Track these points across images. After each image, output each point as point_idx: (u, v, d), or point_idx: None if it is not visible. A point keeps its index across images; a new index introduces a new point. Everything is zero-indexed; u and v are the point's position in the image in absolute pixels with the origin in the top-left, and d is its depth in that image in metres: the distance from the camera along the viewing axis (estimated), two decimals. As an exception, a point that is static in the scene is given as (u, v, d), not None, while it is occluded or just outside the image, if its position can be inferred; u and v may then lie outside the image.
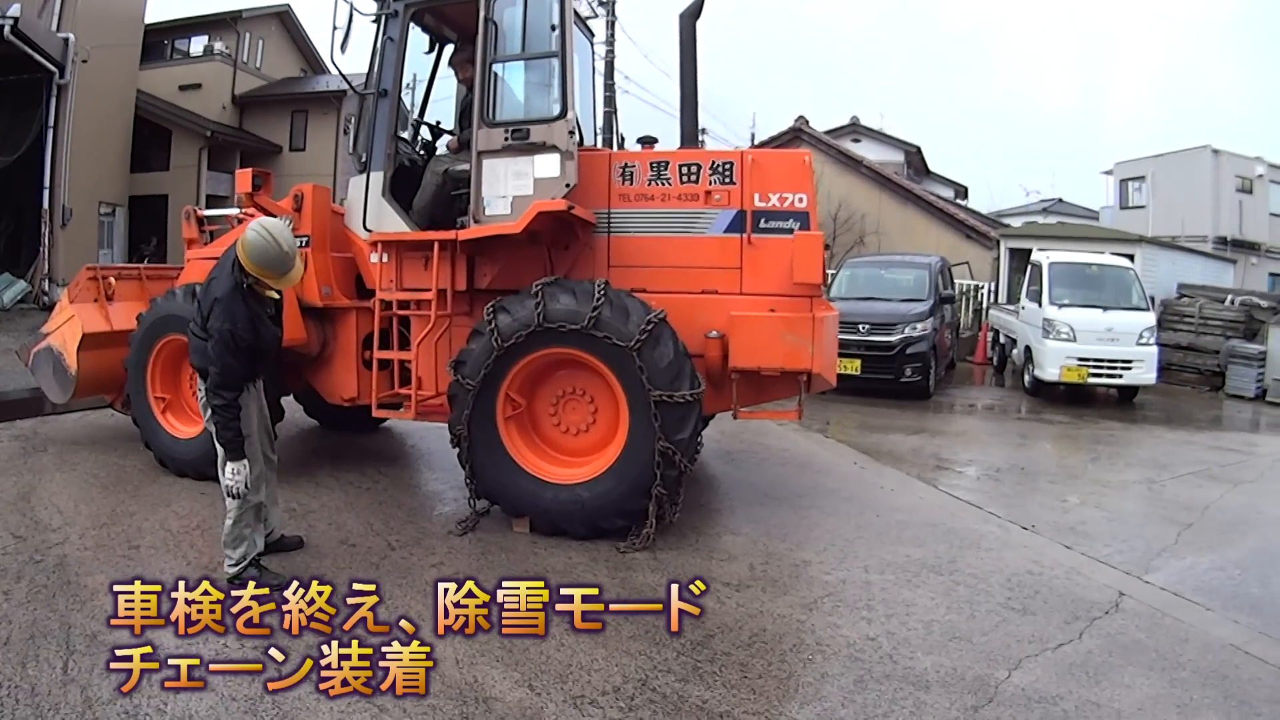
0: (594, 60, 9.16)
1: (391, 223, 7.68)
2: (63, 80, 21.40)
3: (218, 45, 33.47)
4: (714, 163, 7.46)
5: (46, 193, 21.59)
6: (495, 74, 7.32)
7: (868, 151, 31.12)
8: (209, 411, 5.66)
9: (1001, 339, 19.50)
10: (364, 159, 7.83)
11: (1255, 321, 18.75)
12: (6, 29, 19.23)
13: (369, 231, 7.75)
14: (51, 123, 21.39)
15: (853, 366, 14.79)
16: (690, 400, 6.72)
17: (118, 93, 25.40)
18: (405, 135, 8.72)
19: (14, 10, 19.73)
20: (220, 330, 5.51)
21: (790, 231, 7.29)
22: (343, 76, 8.39)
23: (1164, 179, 32.71)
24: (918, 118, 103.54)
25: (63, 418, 10.61)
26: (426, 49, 8.98)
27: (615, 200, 7.57)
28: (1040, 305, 15.88)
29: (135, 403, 8.47)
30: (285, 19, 36.79)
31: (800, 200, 7.33)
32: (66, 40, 21.45)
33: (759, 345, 7.10)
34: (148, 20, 28.52)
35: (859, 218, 25.70)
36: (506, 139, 7.13)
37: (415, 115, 9.08)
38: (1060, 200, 45.03)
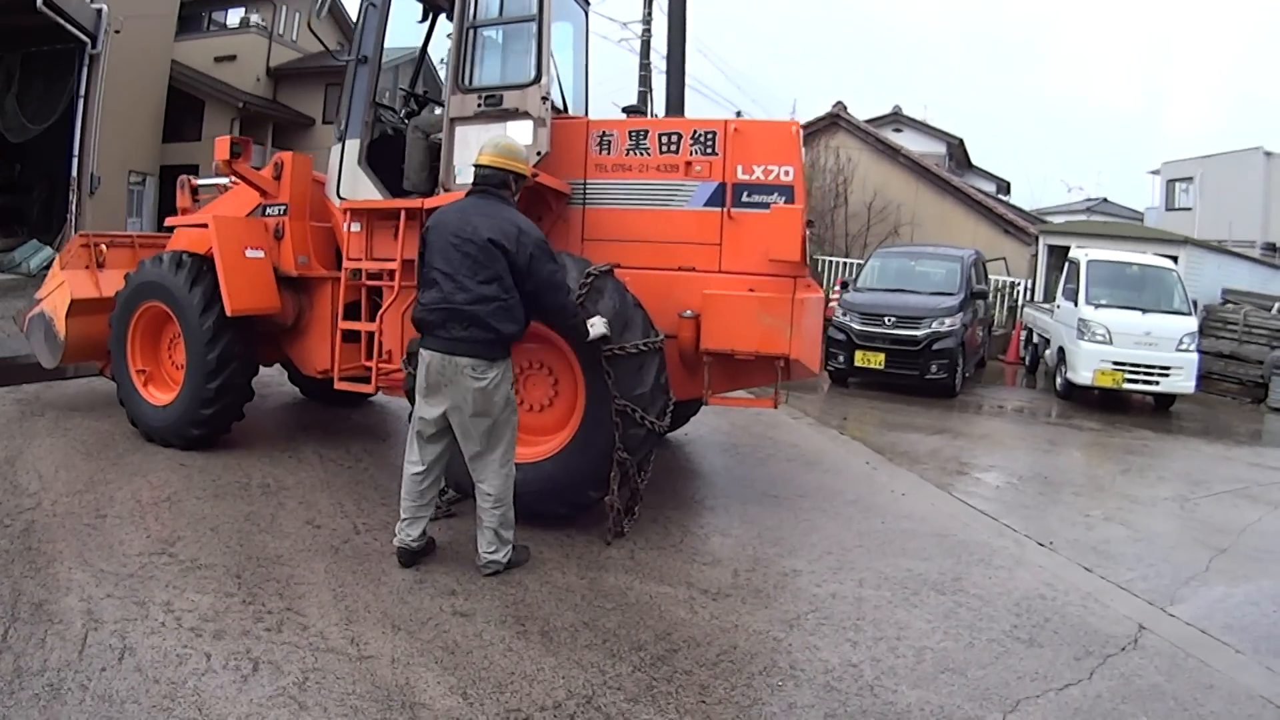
0: (588, 30, 8.78)
1: (366, 191, 7.52)
2: (95, 50, 21.35)
3: (254, 18, 33.51)
4: (695, 132, 7.11)
5: (75, 161, 21.62)
6: (472, 39, 7.15)
7: (909, 142, 30.57)
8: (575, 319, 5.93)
9: (1035, 338, 18.98)
10: (342, 126, 7.68)
11: None
12: (39, 0, 19.25)
13: (341, 199, 7.62)
14: (83, 92, 21.43)
15: (876, 360, 14.49)
16: (645, 350, 6.33)
17: (152, 63, 25.49)
18: (393, 105, 8.58)
19: (47, -19, 19.83)
20: (554, 269, 5.67)
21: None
22: (321, 43, 8.45)
23: (1213, 180, 31.89)
24: (965, 110, 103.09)
25: (67, 383, 10.65)
26: (420, 18, 8.84)
27: (591, 170, 7.33)
28: (1076, 305, 15.27)
29: (116, 366, 8.49)
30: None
31: (786, 173, 6.93)
32: (100, 11, 21.40)
33: (732, 327, 6.73)
34: None
35: (894, 208, 25.18)
36: (479, 105, 6.96)
37: (406, 85, 8.96)
38: (1105, 200, 44.26)
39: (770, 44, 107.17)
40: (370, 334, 7.57)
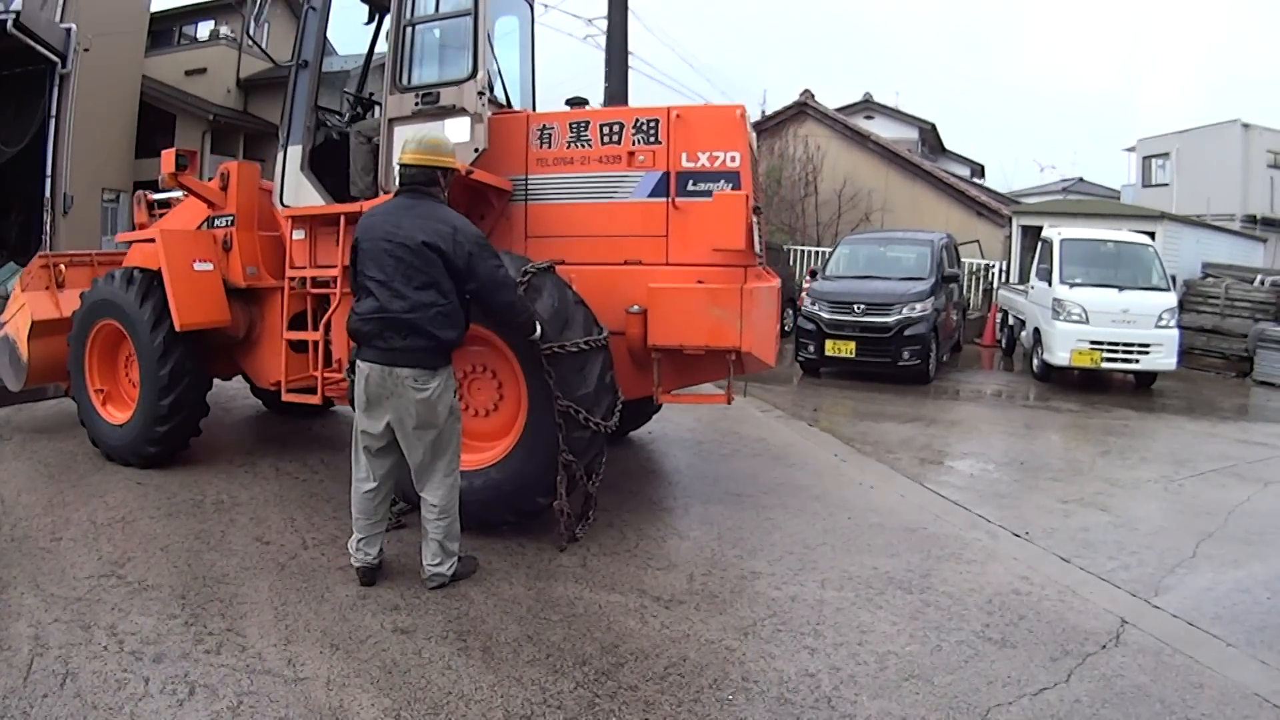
0: (533, 24, 8.62)
1: (309, 198, 7.36)
2: (65, 70, 21.36)
3: (223, 29, 33.20)
4: (637, 121, 6.89)
5: (48, 181, 21.66)
6: (409, 36, 6.96)
7: (881, 128, 30.43)
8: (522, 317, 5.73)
9: (1010, 320, 18.74)
10: (285, 133, 7.57)
11: None
12: (9, 23, 19.27)
13: (284, 207, 7.49)
14: (54, 112, 21.45)
15: (847, 349, 14.22)
16: (587, 348, 6.09)
17: (122, 80, 25.36)
18: (339, 109, 8.43)
19: (16, 4, 19.86)
20: (496, 266, 5.44)
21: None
22: (261, 49, 9.03)
23: (1190, 155, 31.70)
24: (938, 96, 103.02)
25: (38, 405, 10.61)
26: (366, 20, 8.69)
27: (533, 165, 7.12)
28: (1050, 285, 14.93)
29: (75, 386, 8.44)
30: (292, 1, 36.16)
31: (732, 159, 6.71)
32: (68, 30, 21.39)
33: (680, 320, 6.51)
34: (156, 7, 28.61)
35: (865, 194, 25.02)
36: (417, 104, 6.79)
37: (354, 88, 8.75)
38: (1081, 180, 44.22)
39: (740, 36, 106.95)
40: (318, 343, 7.40)
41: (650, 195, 6.79)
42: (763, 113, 27.82)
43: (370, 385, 5.23)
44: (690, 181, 6.72)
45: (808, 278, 18.09)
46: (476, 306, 5.48)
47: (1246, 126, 30.63)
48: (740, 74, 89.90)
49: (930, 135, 37.66)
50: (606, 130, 6.89)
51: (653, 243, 6.82)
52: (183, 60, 32.28)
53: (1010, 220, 22.77)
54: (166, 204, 9.37)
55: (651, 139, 6.78)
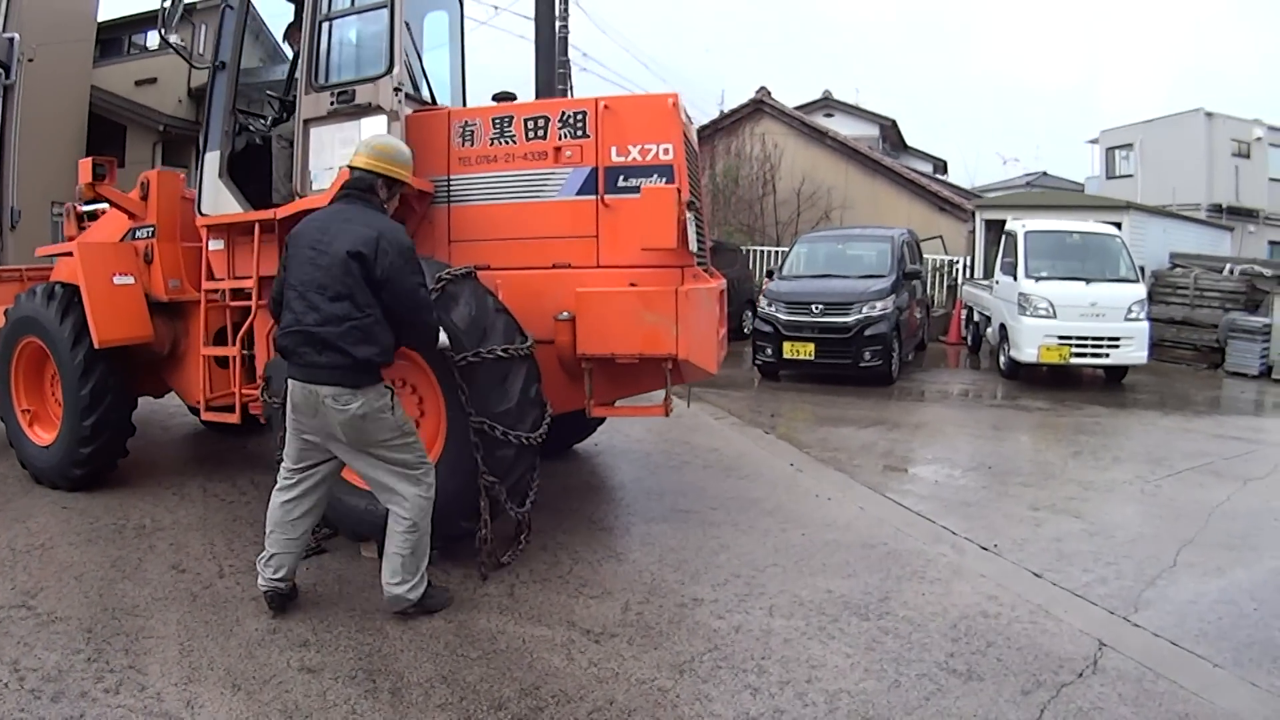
0: (463, 20, 8.34)
1: (227, 205, 7.01)
2: (9, 80, 20.98)
3: (173, 39, 32.48)
4: (564, 114, 6.46)
5: None
6: (325, 33, 6.65)
7: (841, 126, 30.08)
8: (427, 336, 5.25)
9: (976, 317, 18.45)
10: (203, 138, 7.27)
11: (1258, 292, 17.58)
12: None
13: (202, 215, 7.15)
14: None
15: (806, 351, 13.82)
16: (506, 356, 5.69)
17: (69, 91, 24.93)
18: (262, 113, 8.17)
19: (-45, 16, 19.42)
20: (418, 284, 5.03)
21: None
22: (177, 51, 8.19)
23: (1153, 146, 31.59)
24: (900, 93, 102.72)
25: None
26: (292, 19, 8.18)
27: (455, 165, 6.68)
28: (1015, 279, 14.58)
29: (2, 406, 8.15)
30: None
31: (665, 151, 6.26)
32: (12, 40, 20.96)
33: (610, 327, 6.09)
34: (104, 17, 28.13)
35: (825, 192, 24.65)
36: (333, 103, 6.47)
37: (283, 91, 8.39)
38: (1045, 174, 44.11)
39: (698, 36, 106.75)
40: (245, 358, 7.10)
41: (578, 193, 6.37)
42: (720, 111, 27.47)
43: (295, 402, 4.93)
44: (621, 177, 6.29)
45: (767, 278, 17.65)
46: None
47: (1210, 115, 30.55)
48: (699, 75, 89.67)
49: (891, 132, 37.35)
50: (531, 125, 6.46)
51: (582, 244, 6.39)
52: (133, 70, 31.68)
53: (973, 214, 22.53)
54: (95, 216, 9.03)
55: (579, 133, 6.36)
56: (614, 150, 6.31)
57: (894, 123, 36.96)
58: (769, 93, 26.32)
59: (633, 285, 6.11)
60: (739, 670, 4.57)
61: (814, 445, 9.75)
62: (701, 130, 26.14)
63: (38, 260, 9.34)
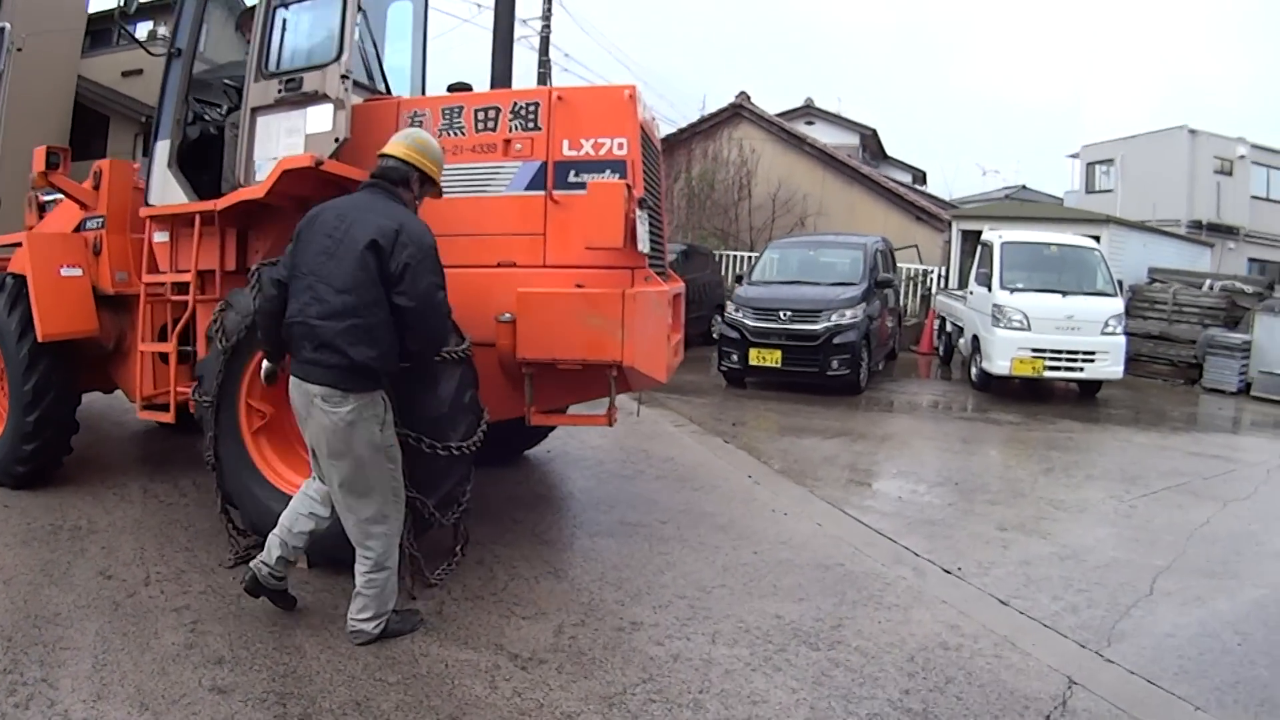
0: (427, 12, 8.26)
1: (175, 196, 6.77)
2: None
3: (161, 30, 32.45)
4: (515, 105, 6.16)
5: None
6: (276, 20, 6.39)
7: (822, 134, 30.05)
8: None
9: (949, 327, 18.14)
10: (155, 126, 7.08)
11: (1238, 309, 17.43)
12: None
13: (148, 206, 6.93)
14: None
15: (773, 358, 13.44)
16: (440, 359, 5.33)
17: (56, 81, 25.26)
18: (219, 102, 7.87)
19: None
20: (436, 285, 4.72)
21: None
22: (132, 37, 8.33)
23: (1135, 161, 31.57)
24: (881, 104, 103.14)
25: None
26: (245, 7, 8.24)
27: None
28: (990, 290, 14.28)
29: None
30: (230, 2, 35.70)
31: (620, 146, 5.94)
32: (3, 30, 20.72)
33: (552, 330, 5.77)
34: (95, 8, 28.26)
35: (801, 198, 24.46)
36: (280, 91, 6.23)
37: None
38: (1024, 188, 44.02)
39: (684, 42, 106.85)
40: (186, 354, 6.84)
41: (527, 188, 6.05)
42: (701, 116, 27.22)
43: (293, 403, 4.76)
44: (572, 172, 5.97)
45: (736, 283, 17.39)
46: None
47: (1193, 132, 30.56)
48: (683, 81, 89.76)
49: (872, 141, 37.47)
50: (481, 116, 6.16)
51: (529, 242, 6.06)
52: (121, 61, 31.58)
53: (950, 224, 22.33)
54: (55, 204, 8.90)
55: (530, 125, 6.04)
56: (566, 144, 6.00)
57: (874, 132, 37.08)
58: (748, 97, 26.17)
59: (579, 287, 5.81)
60: (674, 705, 4.21)
61: (775, 456, 9.39)
62: (679, 134, 25.96)
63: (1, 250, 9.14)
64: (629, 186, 5.65)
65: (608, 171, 5.88)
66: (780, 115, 28.76)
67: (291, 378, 4.70)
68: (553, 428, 8.51)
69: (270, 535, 4.95)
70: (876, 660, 4.70)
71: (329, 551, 5.49)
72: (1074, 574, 6.13)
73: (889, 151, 39.67)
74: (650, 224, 6.11)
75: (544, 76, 22.92)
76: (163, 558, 5.96)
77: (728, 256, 23.25)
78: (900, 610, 5.39)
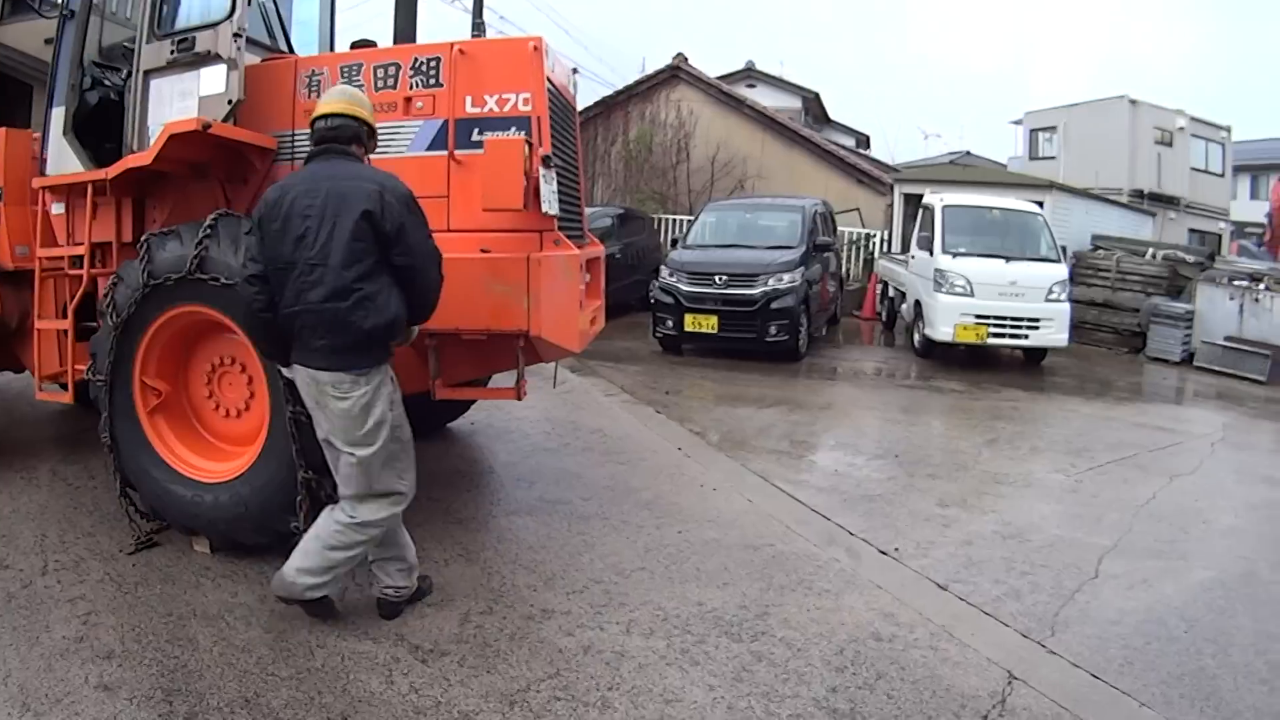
0: None
1: (71, 165, 6.42)
2: None
3: None
4: (416, 61, 5.88)
5: None
6: None
7: (763, 97, 29.51)
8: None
9: (891, 292, 17.84)
10: (50, 94, 6.76)
11: (1180, 278, 17.27)
12: None
13: (43, 176, 6.62)
14: None
15: (709, 324, 13.01)
16: None
17: None
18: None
19: None
20: (426, 234, 4.64)
21: None
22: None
23: (1077, 129, 31.44)
24: (825, 67, 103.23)
25: None
26: None
27: (300, 119, 6.00)
28: (932, 254, 13.94)
29: None
30: None
31: (525, 101, 5.66)
32: None
33: (453, 298, 5.31)
34: None
35: (740, 161, 24.05)
36: (173, 51, 5.94)
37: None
38: (968, 153, 44.13)
39: (624, 6, 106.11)
40: (87, 331, 6.45)
41: (429, 148, 5.76)
42: (638, 78, 26.74)
43: (303, 391, 4.57)
44: (475, 130, 5.66)
45: (671, 247, 17.06)
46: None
47: (1134, 103, 30.47)
48: (623, 44, 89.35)
49: (814, 104, 37.07)
50: (381, 73, 5.86)
51: (433, 205, 5.54)
52: (42, 29, 30.71)
53: (892, 188, 22.05)
54: None
55: (431, 81, 5.76)
56: (469, 100, 5.70)
57: (817, 96, 36.69)
58: (685, 59, 25.63)
59: (484, 251, 5.53)
60: (579, 703, 3.94)
61: (708, 427, 9.03)
62: (616, 96, 25.47)
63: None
64: (529, 143, 5.35)
65: (513, 129, 5.59)
66: (721, 78, 28.19)
67: (298, 368, 4.50)
68: (474, 400, 8.14)
69: (372, 567, 4.77)
70: (803, 653, 4.40)
71: (228, 535, 5.41)
72: (1017, 555, 5.84)
73: (832, 115, 39.32)
74: (562, 184, 5.82)
75: (477, 39, 22.35)
76: (63, 545, 5.71)
77: (666, 220, 22.92)
78: (831, 596, 5.08)
